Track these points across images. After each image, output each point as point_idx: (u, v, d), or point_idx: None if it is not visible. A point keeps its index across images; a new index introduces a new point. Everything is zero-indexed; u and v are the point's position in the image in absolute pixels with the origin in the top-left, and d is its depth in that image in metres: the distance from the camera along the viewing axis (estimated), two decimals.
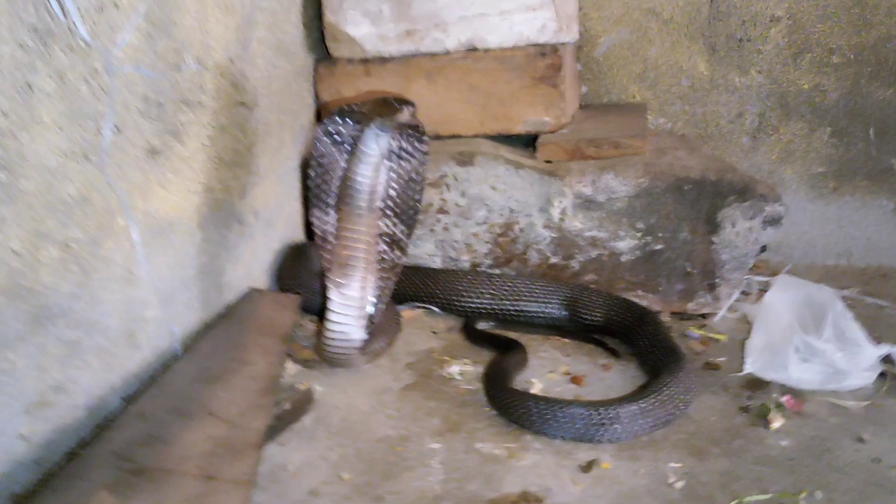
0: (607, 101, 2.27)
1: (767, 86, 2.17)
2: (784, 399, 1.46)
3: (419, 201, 1.53)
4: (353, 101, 1.47)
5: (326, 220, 1.50)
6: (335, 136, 1.46)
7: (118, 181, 1.26)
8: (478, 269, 1.94)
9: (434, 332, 1.78)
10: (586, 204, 1.83)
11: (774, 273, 2.06)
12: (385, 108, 1.37)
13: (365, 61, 1.96)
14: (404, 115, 1.36)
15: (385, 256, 1.53)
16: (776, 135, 2.20)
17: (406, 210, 1.52)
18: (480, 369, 1.58)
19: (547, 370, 1.60)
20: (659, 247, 1.83)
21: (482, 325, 1.78)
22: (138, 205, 1.32)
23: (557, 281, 1.85)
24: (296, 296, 1.72)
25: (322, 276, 1.83)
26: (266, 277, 1.82)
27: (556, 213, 1.85)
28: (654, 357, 1.56)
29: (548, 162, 1.87)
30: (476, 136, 1.96)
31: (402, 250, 1.53)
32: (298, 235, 2.02)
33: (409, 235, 1.54)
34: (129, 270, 1.31)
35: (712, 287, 1.85)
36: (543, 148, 1.88)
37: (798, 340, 1.54)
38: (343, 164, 1.48)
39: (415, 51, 1.93)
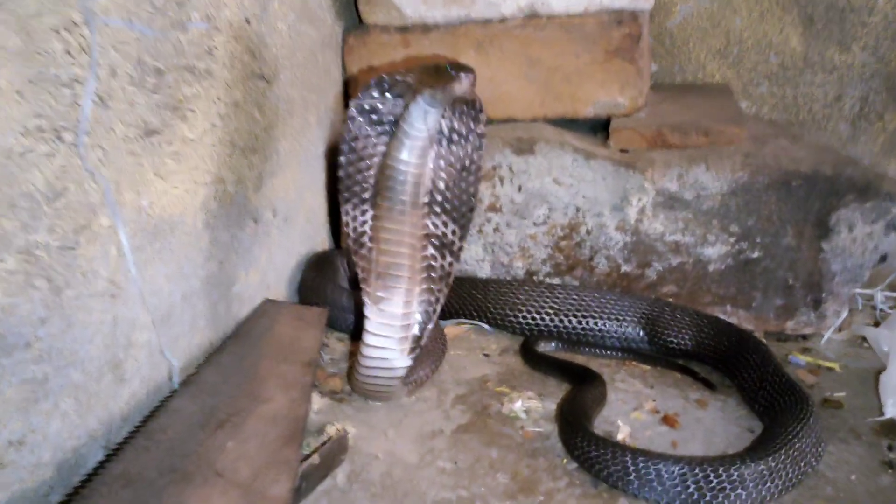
0: (681, 80, 1.96)
1: (872, 65, 1.86)
2: None
3: (474, 195, 1.22)
4: (395, 69, 1.17)
5: (361, 219, 1.21)
6: (372, 114, 1.16)
7: (102, 168, 0.97)
8: (535, 277, 1.64)
9: (486, 355, 1.48)
10: (670, 202, 1.52)
11: (874, 284, 1.76)
12: (437, 76, 1.07)
13: (403, 29, 1.66)
14: (461, 86, 1.05)
15: (433, 263, 1.22)
16: (880, 122, 1.90)
17: (459, 206, 1.21)
18: (548, 404, 1.29)
19: (630, 407, 1.30)
20: (756, 254, 1.53)
21: (543, 347, 1.48)
22: (128, 199, 1.03)
23: (633, 294, 1.55)
24: (321, 309, 1.42)
25: (353, 288, 1.55)
26: (284, 285, 1.53)
27: (632, 212, 1.54)
28: (765, 395, 1.26)
29: (623, 151, 1.57)
30: (535, 119, 1.65)
31: (455, 256, 1.23)
32: (321, 233, 1.73)
33: (462, 238, 1.23)
34: (116, 283, 1.02)
35: (817, 303, 1.54)
36: (617, 134, 1.58)
37: None
38: (382, 147, 1.18)
39: (464, 17, 1.62)
